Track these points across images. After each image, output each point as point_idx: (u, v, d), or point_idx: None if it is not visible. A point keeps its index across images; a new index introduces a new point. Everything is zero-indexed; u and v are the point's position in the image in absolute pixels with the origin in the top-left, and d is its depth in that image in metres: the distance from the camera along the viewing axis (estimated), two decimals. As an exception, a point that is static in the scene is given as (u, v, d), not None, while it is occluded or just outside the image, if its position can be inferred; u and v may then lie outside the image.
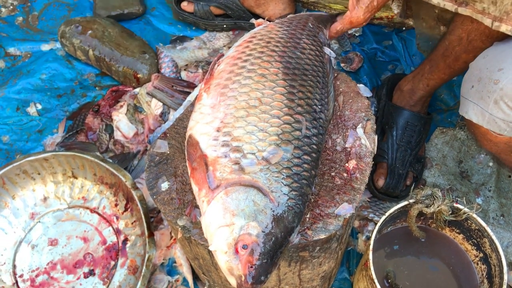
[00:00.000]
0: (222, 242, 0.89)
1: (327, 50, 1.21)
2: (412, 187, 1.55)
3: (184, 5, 1.92)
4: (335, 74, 1.25)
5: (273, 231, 0.91)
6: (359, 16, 1.26)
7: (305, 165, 0.99)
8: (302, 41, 1.17)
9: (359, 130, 1.15)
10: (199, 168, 0.96)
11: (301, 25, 1.24)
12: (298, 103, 1.03)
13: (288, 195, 0.94)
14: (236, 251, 0.88)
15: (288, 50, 1.12)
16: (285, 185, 0.95)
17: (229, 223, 0.90)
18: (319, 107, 1.08)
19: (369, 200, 1.56)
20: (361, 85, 1.23)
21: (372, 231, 1.19)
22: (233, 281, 0.90)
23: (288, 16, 1.29)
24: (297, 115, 1.02)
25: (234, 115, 1.00)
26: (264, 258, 0.89)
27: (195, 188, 0.97)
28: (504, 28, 1.16)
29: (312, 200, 1.06)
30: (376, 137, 1.15)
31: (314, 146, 1.02)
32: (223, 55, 1.15)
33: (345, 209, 1.05)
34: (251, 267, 0.88)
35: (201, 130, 1.01)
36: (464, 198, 1.57)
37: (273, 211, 0.92)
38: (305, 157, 0.99)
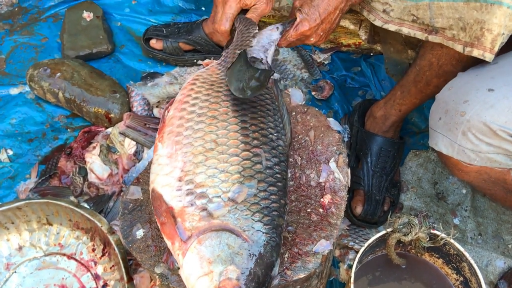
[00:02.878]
0: None
1: None
2: (390, 213, 1.56)
3: (153, 42, 1.93)
4: (305, 109, 1.25)
5: (252, 270, 0.90)
6: (305, 26, 1.25)
7: (273, 196, 0.99)
8: None
9: (332, 164, 1.15)
10: (167, 221, 0.95)
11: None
12: (253, 136, 1.04)
13: (261, 230, 0.94)
14: None
15: None
16: (256, 221, 0.95)
17: (207, 272, 0.89)
18: (275, 134, 1.08)
19: (348, 228, 1.57)
20: (331, 119, 1.24)
21: (353, 259, 1.19)
22: None
23: (223, 53, 1.29)
24: (255, 149, 1.02)
25: (193, 162, 0.99)
26: None
27: (168, 242, 0.96)
28: (476, 53, 1.19)
29: (290, 239, 1.06)
30: (349, 170, 1.16)
31: (278, 175, 1.02)
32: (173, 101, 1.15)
33: (323, 246, 1.05)
34: None
35: (162, 182, 1.00)
36: (441, 220, 1.59)
37: (249, 250, 0.92)
38: (271, 188, 0.99)
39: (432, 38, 1.25)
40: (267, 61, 1.24)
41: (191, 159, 1.00)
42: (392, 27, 1.31)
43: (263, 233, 0.94)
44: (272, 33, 1.27)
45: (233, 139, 1.02)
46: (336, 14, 1.25)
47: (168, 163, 1.01)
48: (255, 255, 0.92)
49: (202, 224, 0.93)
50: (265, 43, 1.27)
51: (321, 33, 1.27)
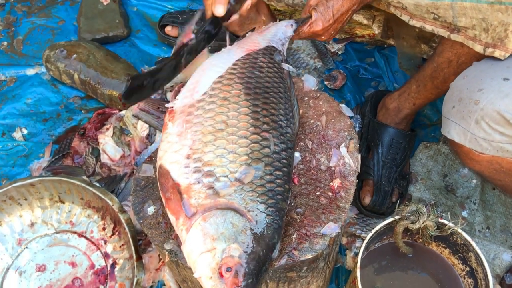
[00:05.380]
0: (205, 268, 0.90)
1: (285, 65, 1.22)
2: (398, 204, 1.56)
3: (168, 29, 1.94)
4: (317, 95, 1.26)
5: (254, 250, 0.92)
6: (319, 25, 1.25)
7: (278, 181, 1.00)
8: (259, 60, 1.18)
9: (343, 149, 1.16)
10: (173, 197, 0.96)
11: (253, 44, 1.24)
12: (263, 120, 1.05)
13: (265, 212, 0.96)
14: (221, 275, 0.89)
15: (246, 71, 1.13)
16: (260, 202, 0.96)
17: (210, 248, 0.91)
18: (285, 122, 1.09)
19: (356, 216, 1.58)
20: (343, 105, 1.24)
21: (360, 247, 1.20)
22: None
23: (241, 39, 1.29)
24: (264, 133, 1.03)
25: (202, 141, 1.00)
26: (249, 277, 0.90)
27: (172, 218, 0.97)
28: (498, 53, 1.19)
29: (298, 220, 1.07)
30: (359, 155, 1.17)
31: (285, 161, 1.03)
32: (184, 84, 1.16)
33: (331, 228, 1.06)
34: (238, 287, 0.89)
35: (170, 159, 1.01)
36: (449, 212, 1.59)
37: (252, 230, 0.93)
38: (277, 172, 1.01)
39: (454, 36, 1.25)
40: (284, 54, 1.26)
41: (201, 137, 1.01)
42: (417, 23, 1.31)
43: (267, 215, 0.95)
44: (287, 30, 1.28)
45: (243, 122, 1.03)
46: (348, 15, 1.26)
47: (177, 141, 1.02)
48: (258, 236, 0.93)
49: (208, 201, 0.94)
50: (282, 38, 1.28)
51: (332, 32, 1.28)
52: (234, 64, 1.14)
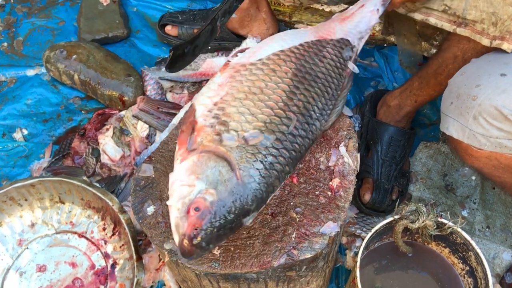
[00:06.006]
0: (178, 200, 0.93)
1: (351, 65, 1.22)
2: (398, 202, 1.56)
3: (168, 29, 1.94)
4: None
5: (227, 204, 0.94)
6: None
7: (281, 158, 1.01)
8: (325, 49, 1.19)
9: (342, 149, 1.16)
10: (186, 130, 1.02)
11: (328, 32, 1.24)
12: (296, 103, 1.07)
13: (254, 178, 0.97)
14: (188, 212, 0.91)
15: (307, 54, 1.15)
16: (255, 168, 0.98)
17: (190, 184, 0.94)
18: (317, 114, 1.11)
19: (356, 216, 1.58)
20: (342, 105, 1.25)
21: (360, 247, 1.20)
22: (176, 239, 0.93)
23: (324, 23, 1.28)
24: (290, 113, 1.05)
25: (233, 95, 1.05)
26: (211, 226, 0.92)
27: (177, 147, 1.01)
28: (506, 46, 1.20)
29: (297, 219, 1.07)
30: (358, 155, 1.17)
31: (296, 145, 1.05)
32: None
33: (330, 228, 1.06)
34: (196, 229, 0.91)
35: (202, 101, 1.06)
36: (449, 211, 1.59)
37: (234, 187, 0.95)
38: (284, 151, 1.02)
39: (461, 31, 1.25)
40: (357, 51, 1.25)
41: (234, 93, 1.05)
42: (418, 16, 1.30)
43: (255, 181, 0.97)
44: (372, 17, 1.25)
45: (277, 95, 1.06)
46: None
47: (216, 89, 1.08)
48: (237, 194, 0.94)
49: (210, 145, 0.98)
50: (362, 29, 1.26)
51: None
52: (300, 45, 1.17)
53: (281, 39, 1.18)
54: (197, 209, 0.91)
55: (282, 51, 1.14)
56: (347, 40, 1.23)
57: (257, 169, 0.98)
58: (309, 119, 1.08)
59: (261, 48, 1.15)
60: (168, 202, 0.95)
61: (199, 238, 0.91)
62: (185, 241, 0.91)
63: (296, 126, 1.05)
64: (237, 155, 0.97)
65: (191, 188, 0.93)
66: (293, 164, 1.05)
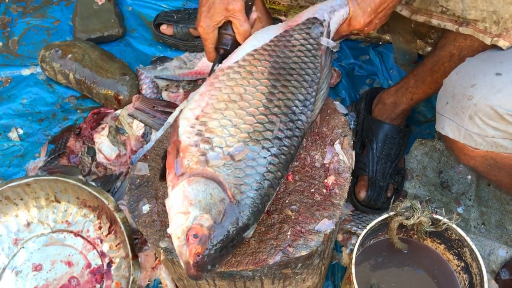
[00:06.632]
0: (177, 228, 0.92)
1: (324, 40, 1.16)
2: (393, 199, 1.57)
3: (163, 28, 1.94)
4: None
5: (224, 225, 0.93)
6: (359, 21, 1.17)
7: (271, 166, 1.00)
8: (293, 37, 1.16)
9: (337, 146, 1.16)
10: (171, 152, 0.99)
11: (295, 19, 1.21)
12: (276, 103, 1.04)
13: (247, 194, 0.96)
14: (187, 239, 0.91)
15: (278, 49, 1.13)
16: (245, 183, 0.96)
17: (185, 211, 0.93)
18: (300, 108, 1.07)
19: (351, 213, 1.58)
20: (337, 102, 1.24)
21: (355, 244, 1.20)
22: (183, 265, 0.93)
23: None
24: (272, 116, 1.03)
25: (214, 106, 1.02)
26: (212, 249, 0.91)
27: (167, 171, 1.00)
28: (501, 43, 1.20)
29: (293, 217, 1.07)
30: (353, 152, 1.17)
31: (285, 148, 1.02)
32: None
33: (326, 225, 1.06)
34: (198, 256, 0.90)
35: (185, 114, 1.04)
36: (444, 208, 1.59)
37: (228, 207, 0.94)
38: (272, 158, 1.00)
39: (463, 30, 1.25)
40: (328, 24, 1.18)
41: (214, 103, 1.03)
42: (420, 18, 1.30)
43: (248, 196, 0.96)
44: None
45: (257, 100, 1.04)
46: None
47: (197, 99, 1.05)
48: (232, 213, 0.94)
49: (197, 167, 0.96)
50: (335, 3, 1.18)
51: (377, 22, 1.20)
52: (271, 41, 1.14)
53: (254, 38, 1.15)
54: (195, 236, 0.91)
55: (255, 50, 1.11)
56: (314, 18, 1.19)
57: (248, 184, 0.96)
58: (292, 116, 1.06)
59: (237, 50, 1.13)
60: (168, 231, 0.94)
61: (201, 263, 0.91)
62: (190, 268, 0.91)
63: (280, 128, 1.03)
64: (225, 174, 0.96)
65: (186, 216, 0.92)
66: (285, 167, 1.04)
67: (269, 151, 1.00)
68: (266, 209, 1.01)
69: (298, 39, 1.15)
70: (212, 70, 1.20)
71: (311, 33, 1.17)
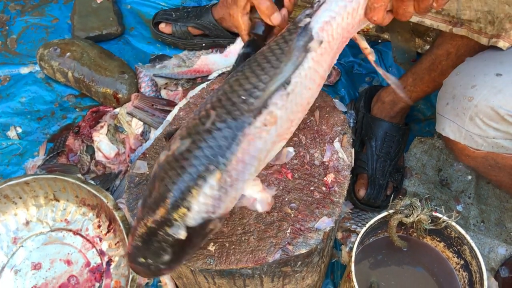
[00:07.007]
0: None
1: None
2: (392, 197, 1.57)
3: (162, 26, 1.94)
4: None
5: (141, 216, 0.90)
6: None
7: (194, 161, 0.87)
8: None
9: (336, 144, 1.16)
10: None
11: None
12: (218, 96, 0.92)
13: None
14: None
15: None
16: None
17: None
18: (243, 97, 0.90)
19: (351, 211, 1.58)
20: (336, 100, 1.24)
21: (355, 242, 1.20)
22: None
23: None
24: (211, 111, 0.90)
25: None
26: (136, 241, 0.88)
27: None
28: (501, 44, 1.18)
29: (292, 215, 1.07)
30: (353, 150, 1.17)
31: (211, 141, 0.88)
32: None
33: (325, 223, 1.06)
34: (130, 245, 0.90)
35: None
36: (444, 206, 1.59)
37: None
38: (197, 152, 0.87)
39: (457, 30, 1.24)
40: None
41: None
42: (413, 18, 1.30)
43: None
44: None
45: (216, 96, 0.93)
46: None
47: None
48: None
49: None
50: None
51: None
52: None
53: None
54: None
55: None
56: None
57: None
58: (230, 107, 0.89)
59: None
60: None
61: (132, 253, 0.90)
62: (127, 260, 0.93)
63: (213, 120, 0.88)
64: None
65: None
66: (216, 153, 0.87)
67: (196, 145, 0.88)
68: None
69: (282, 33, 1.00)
70: (236, 62, 1.08)
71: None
